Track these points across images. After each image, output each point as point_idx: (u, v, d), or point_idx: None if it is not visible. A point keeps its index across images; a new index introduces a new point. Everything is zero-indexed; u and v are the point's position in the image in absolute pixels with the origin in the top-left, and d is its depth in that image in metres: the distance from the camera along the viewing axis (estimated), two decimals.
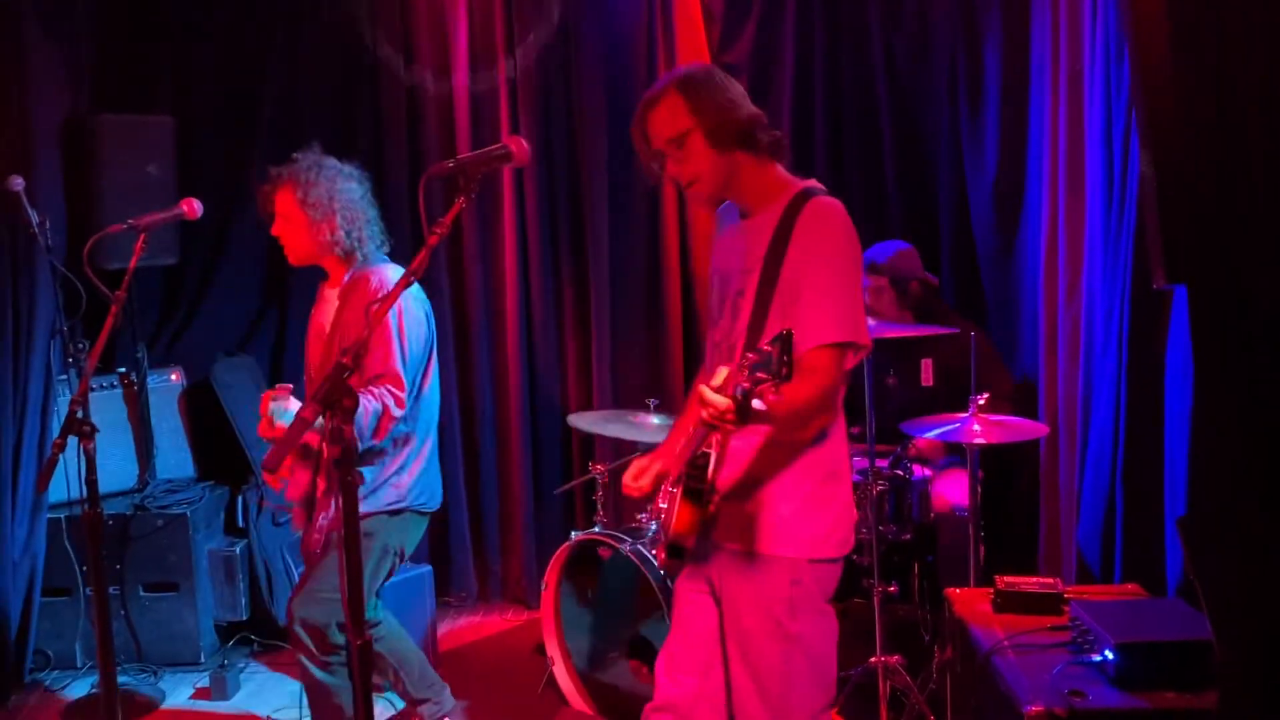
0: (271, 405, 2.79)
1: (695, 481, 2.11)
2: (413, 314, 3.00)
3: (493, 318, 4.68)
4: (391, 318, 2.94)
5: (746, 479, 2.22)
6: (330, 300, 3.12)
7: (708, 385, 1.92)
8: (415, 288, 3.03)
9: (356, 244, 3.06)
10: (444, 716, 3.36)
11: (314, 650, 3.00)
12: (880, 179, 4.38)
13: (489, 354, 4.69)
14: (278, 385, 2.85)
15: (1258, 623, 1.71)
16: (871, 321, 3.24)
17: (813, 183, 2.28)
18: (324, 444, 2.81)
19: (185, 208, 3.01)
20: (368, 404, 2.85)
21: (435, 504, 3.18)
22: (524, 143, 2.08)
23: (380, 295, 2.91)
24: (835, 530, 2.25)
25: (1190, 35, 1.60)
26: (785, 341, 1.76)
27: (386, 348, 2.92)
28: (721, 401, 1.87)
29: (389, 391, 2.89)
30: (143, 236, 2.89)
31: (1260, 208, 1.59)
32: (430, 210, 2.11)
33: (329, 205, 3.01)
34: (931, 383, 3.86)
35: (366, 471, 2.97)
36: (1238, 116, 1.57)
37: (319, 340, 3.13)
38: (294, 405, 2.80)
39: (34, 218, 3.71)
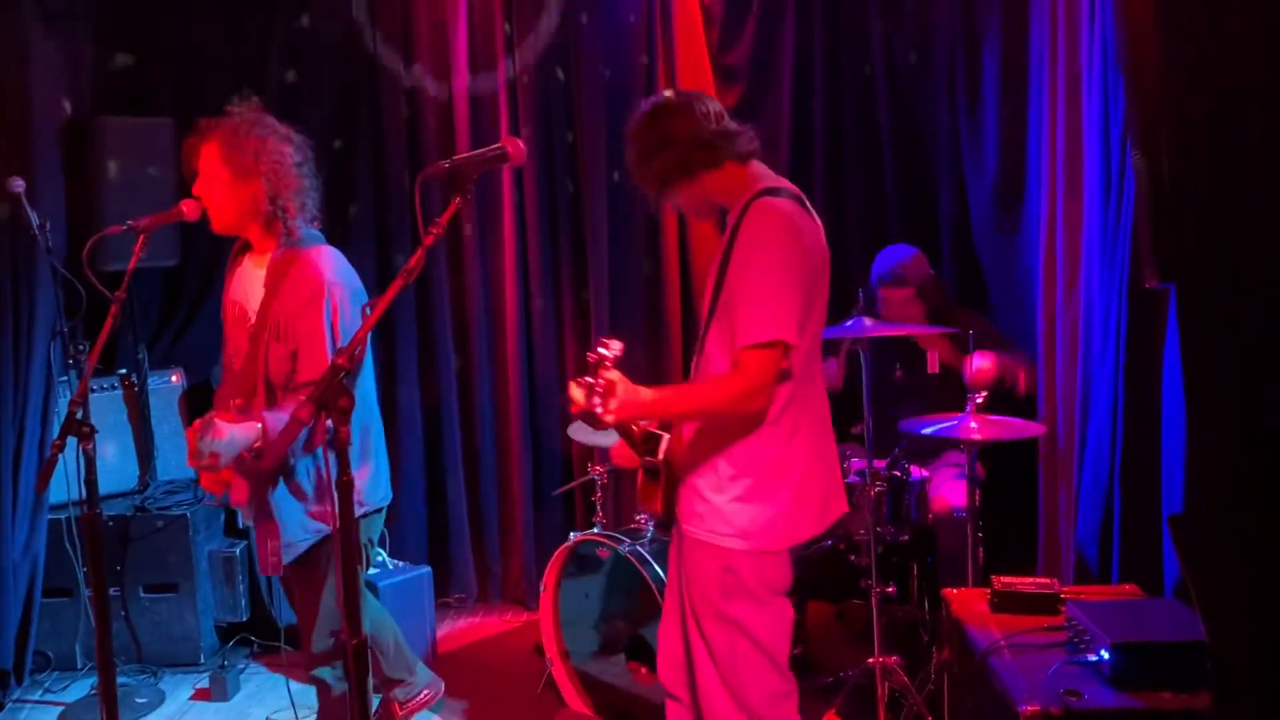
0: (201, 443, 2.53)
1: (650, 458, 2.33)
2: (348, 310, 2.75)
3: (492, 319, 4.69)
4: (325, 317, 2.71)
5: (693, 464, 2.32)
6: (251, 275, 2.87)
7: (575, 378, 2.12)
8: (350, 273, 2.84)
9: (281, 213, 2.76)
10: (417, 695, 3.38)
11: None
12: (880, 180, 4.39)
13: (488, 355, 4.70)
14: (199, 419, 2.58)
15: (1255, 623, 1.71)
16: (868, 322, 3.28)
17: (778, 183, 2.31)
18: (253, 457, 2.64)
19: (185, 209, 2.99)
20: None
21: (389, 497, 3.02)
22: (520, 143, 2.09)
23: (309, 280, 2.71)
24: (775, 524, 2.27)
25: (1181, 35, 1.60)
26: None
27: (319, 353, 2.69)
28: (577, 398, 2.07)
29: None
30: (142, 238, 2.88)
31: (1253, 207, 1.60)
32: (427, 211, 2.12)
33: (254, 165, 2.75)
34: (937, 369, 3.91)
35: (311, 488, 2.78)
36: (1230, 116, 1.58)
37: (240, 325, 2.86)
38: (229, 433, 2.56)
39: (34, 219, 3.71)
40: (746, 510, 2.26)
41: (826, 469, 2.37)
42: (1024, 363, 3.75)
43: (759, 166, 2.35)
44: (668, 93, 2.38)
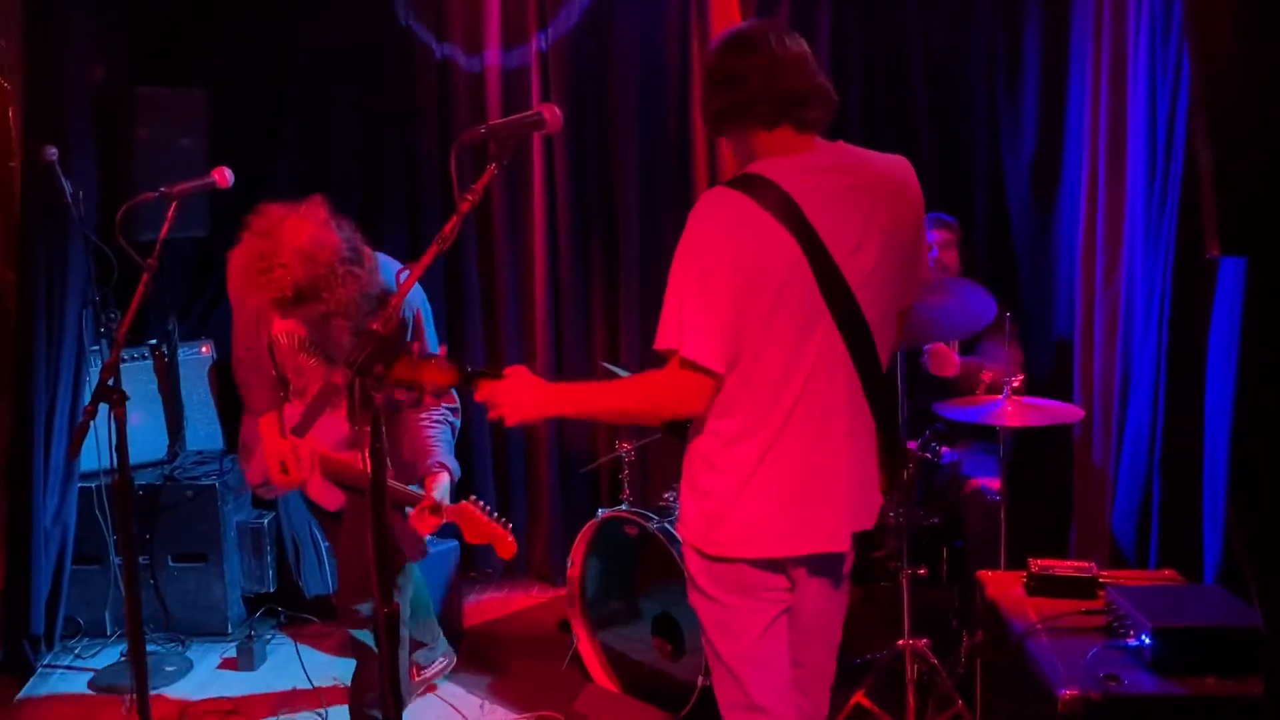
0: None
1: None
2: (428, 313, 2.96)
3: (521, 296, 4.66)
4: (427, 326, 2.93)
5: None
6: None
7: None
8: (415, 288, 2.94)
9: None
10: (436, 662, 3.54)
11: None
12: (916, 158, 4.27)
13: (516, 332, 4.67)
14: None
15: None
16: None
17: (755, 170, 2.09)
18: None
19: (216, 176, 2.99)
20: (441, 432, 2.94)
21: None
22: (557, 109, 2.05)
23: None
24: (713, 528, 2.06)
25: None
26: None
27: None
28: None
29: (449, 411, 2.98)
30: (174, 204, 2.87)
31: None
32: (461, 178, 2.07)
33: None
34: (958, 371, 3.80)
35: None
36: None
37: (297, 352, 2.95)
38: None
39: (67, 188, 3.72)
40: (693, 507, 2.11)
41: (802, 489, 2.02)
42: (993, 363, 3.61)
43: (788, 141, 2.16)
44: (751, 23, 2.18)
